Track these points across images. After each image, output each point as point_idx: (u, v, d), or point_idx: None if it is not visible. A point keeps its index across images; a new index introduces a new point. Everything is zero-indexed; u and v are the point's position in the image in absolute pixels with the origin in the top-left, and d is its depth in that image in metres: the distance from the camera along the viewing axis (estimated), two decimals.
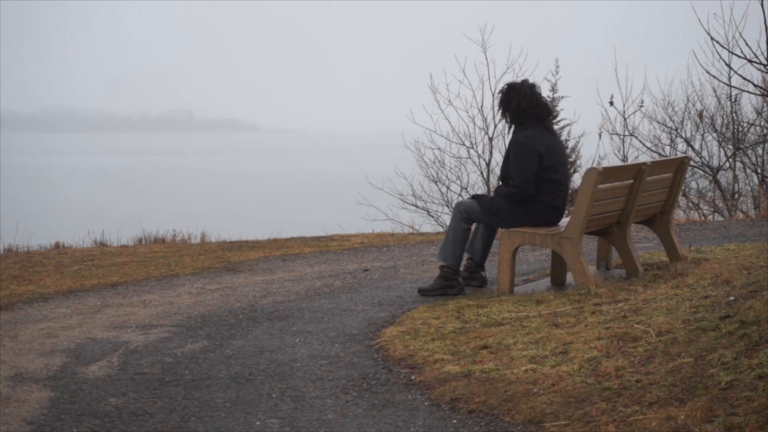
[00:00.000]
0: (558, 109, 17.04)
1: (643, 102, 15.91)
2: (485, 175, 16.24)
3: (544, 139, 6.67)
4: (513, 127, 6.82)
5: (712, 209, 14.55)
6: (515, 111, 6.75)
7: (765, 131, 15.06)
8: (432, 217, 16.14)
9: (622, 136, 16.01)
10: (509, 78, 16.57)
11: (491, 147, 16.37)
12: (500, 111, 6.88)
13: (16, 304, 6.78)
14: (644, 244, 8.88)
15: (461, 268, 6.93)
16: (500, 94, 6.86)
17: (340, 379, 4.70)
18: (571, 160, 17.05)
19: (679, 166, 7.20)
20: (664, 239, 7.22)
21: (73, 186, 52.97)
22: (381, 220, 14.84)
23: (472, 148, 16.37)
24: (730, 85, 12.97)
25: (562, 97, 17.05)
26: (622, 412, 3.64)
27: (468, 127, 16.42)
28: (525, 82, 6.85)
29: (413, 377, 4.64)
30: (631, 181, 6.62)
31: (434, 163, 16.50)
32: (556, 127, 17.06)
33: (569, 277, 6.84)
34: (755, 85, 10.05)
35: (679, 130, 15.89)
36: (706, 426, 3.31)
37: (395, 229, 13.19)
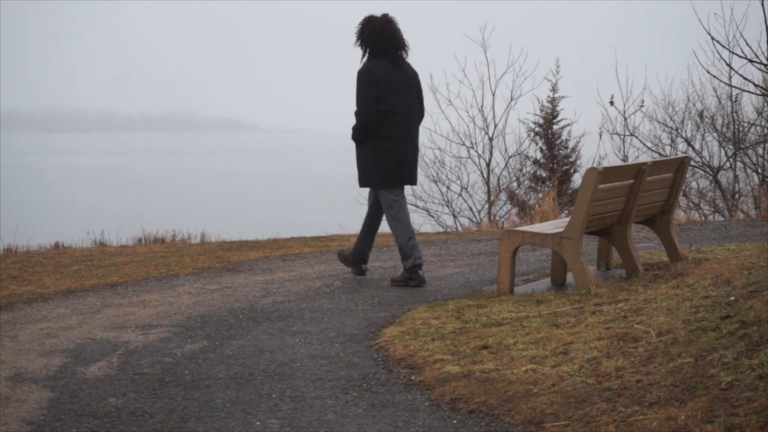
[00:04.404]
0: (558, 109, 17.05)
1: (643, 102, 15.92)
2: (485, 175, 16.25)
3: (386, 71, 7.09)
4: (365, 58, 7.26)
5: (712, 209, 14.55)
6: (367, 41, 7.18)
7: (765, 131, 15.06)
8: (432, 217, 16.15)
9: (622, 136, 16.01)
10: (509, 78, 16.60)
11: (491, 147, 16.37)
12: (356, 41, 7.26)
13: (16, 304, 6.77)
14: (644, 244, 8.88)
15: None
16: (359, 25, 7.25)
17: (340, 379, 4.69)
18: (571, 160, 17.06)
19: (680, 166, 7.20)
20: (665, 239, 7.22)
21: (73, 186, 52.95)
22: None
23: (472, 148, 16.37)
24: (730, 85, 12.98)
25: (562, 97, 17.06)
26: (622, 413, 3.64)
27: (468, 127, 16.42)
28: (384, 15, 7.26)
29: (413, 377, 4.63)
30: (632, 181, 6.62)
31: (434, 163, 16.52)
32: (556, 126, 17.07)
33: (569, 277, 6.84)
34: (756, 85, 10.06)
35: (679, 130, 15.89)
36: (707, 426, 3.30)
37: None
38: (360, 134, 7.16)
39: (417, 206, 16.16)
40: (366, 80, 7.05)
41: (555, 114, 17.04)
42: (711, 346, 4.06)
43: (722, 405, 3.45)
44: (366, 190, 7.60)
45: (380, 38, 7.14)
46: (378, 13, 7.32)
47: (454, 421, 3.97)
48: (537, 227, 6.80)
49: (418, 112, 7.34)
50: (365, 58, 7.23)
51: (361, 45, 7.22)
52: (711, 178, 15.35)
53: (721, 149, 15.60)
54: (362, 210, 15.48)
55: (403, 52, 7.24)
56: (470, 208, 16.07)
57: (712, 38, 8.17)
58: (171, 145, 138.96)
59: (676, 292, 5.35)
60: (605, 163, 14.30)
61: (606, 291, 5.89)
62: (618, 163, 14.03)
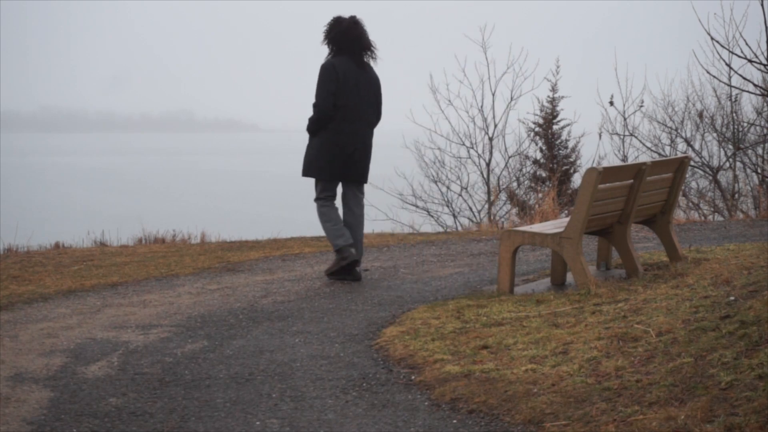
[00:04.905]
0: (558, 109, 17.07)
1: (643, 102, 15.95)
2: (485, 175, 16.26)
3: (348, 68, 7.32)
4: (330, 56, 7.38)
5: (712, 209, 14.56)
6: (333, 40, 7.40)
7: (765, 131, 15.07)
8: (432, 217, 16.16)
9: (622, 136, 16.03)
10: (509, 78, 16.63)
11: (491, 147, 16.40)
12: (323, 40, 7.46)
13: (16, 304, 6.78)
14: (644, 244, 8.88)
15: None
16: (326, 25, 7.47)
17: (340, 379, 4.70)
18: (571, 160, 17.08)
19: (679, 166, 7.20)
20: (664, 239, 7.22)
21: (73, 186, 52.93)
22: (381, 220, 14.85)
23: (472, 148, 16.39)
24: (730, 85, 13.00)
25: (562, 97, 17.08)
26: (622, 412, 3.64)
27: (468, 127, 16.45)
28: (351, 17, 7.45)
29: (413, 377, 4.64)
30: (631, 181, 6.62)
31: (434, 163, 16.53)
32: (556, 126, 17.08)
33: (569, 277, 6.84)
34: (755, 85, 10.05)
35: (679, 130, 15.91)
36: (706, 426, 3.31)
37: (395, 229, 13.19)
38: (314, 125, 7.38)
39: (417, 206, 16.17)
40: (327, 73, 7.28)
41: (555, 114, 17.05)
42: (711, 346, 4.06)
43: (722, 405, 3.45)
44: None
45: (346, 38, 7.36)
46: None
47: (454, 421, 3.97)
48: (537, 227, 6.80)
49: (375, 115, 7.57)
50: (330, 56, 7.44)
51: (328, 44, 7.45)
52: (711, 178, 15.36)
53: (721, 149, 15.62)
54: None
55: (368, 53, 7.47)
56: (470, 208, 16.09)
57: (712, 38, 8.16)
58: (171, 145, 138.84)
59: (676, 292, 5.36)
60: (605, 163, 14.31)
61: (606, 291, 5.90)
62: (618, 163, 14.03)
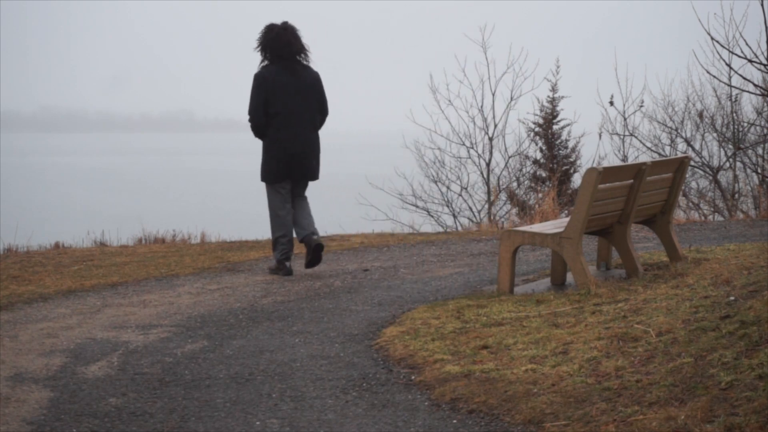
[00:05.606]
0: (558, 109, 17.06)
1: (643, 102, 15.94)
2: (485, 175, 16.26)
3: (278, 75, 7.60)
4: (263, 63, 7.73)
5: (712, 209, 14.56)
6: (265, 48, 7.67)
7: (765, 131, 15.07)
8: (432, 217, 16.15)
9: (622, 136, 16.02)
10: (509, 78, 16.63)
11: (491, 147, 16.39)
12: (257, 47, 7.72)
13: (16, 304, 6.78)
14: (644, 244, 8.88)
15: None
16: (260, 32, 7.68)
17: (340, 379, 4.70)
18: (571, 160, 17.07)
19: (680, 166, 7.20)
20: (664, 239, 7.22)
21: (73, 186, 52.88)
22: (381, 220, 14.85)
23: (472, 148, 16.39)
24: (730, 85, 12.99)
25: (562, 97, 17.07)
26: (622, 412, 3.64)
27: (468, 127, 16.46)
28: (283, 23, 7.72)
29: (413, 377, 4.64)
30: (631, 181, 6.62)
31: (434, 163, 16.52)
32: (556, 127, 17.07)
33: (569, 277, 6.84)
34: (755, 85, 10.04)
35: (679, 130, 15.90)
36: (706, 426, 3.31)
37: (395, 229, 13.18)
38: (254, 133, 7.81)
39: (417, 206, 16.17)
40: (257, 84, 7.62)
41: (555, 114, 17.04)
42: (711, 346, 4.07)
43: (722, 405, 3.45)
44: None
45: (277, 45, 7.61)
46: (285, 21, 7.76)
47: (454, 421, 3.97)
48: (537, 227, 6.80)
49: (319, 114, 7.85)
50: (263, 64, 7.71)
51: (261, 51, 7.71)
52: (711, 178, 15.36)
53: (721, 149, 15.61)
54: (362, 210, 15.38)
55: (301, 56, 7.71)
56: (470, 208, 16.08)
57: (712, 38, 8.15)
58: (171, 145, 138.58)
59: (676, 292, 5.36)
60: (605, 163, 14.31)
61: (606, 291, 5.90)
62: (618, 163, 14.03)
